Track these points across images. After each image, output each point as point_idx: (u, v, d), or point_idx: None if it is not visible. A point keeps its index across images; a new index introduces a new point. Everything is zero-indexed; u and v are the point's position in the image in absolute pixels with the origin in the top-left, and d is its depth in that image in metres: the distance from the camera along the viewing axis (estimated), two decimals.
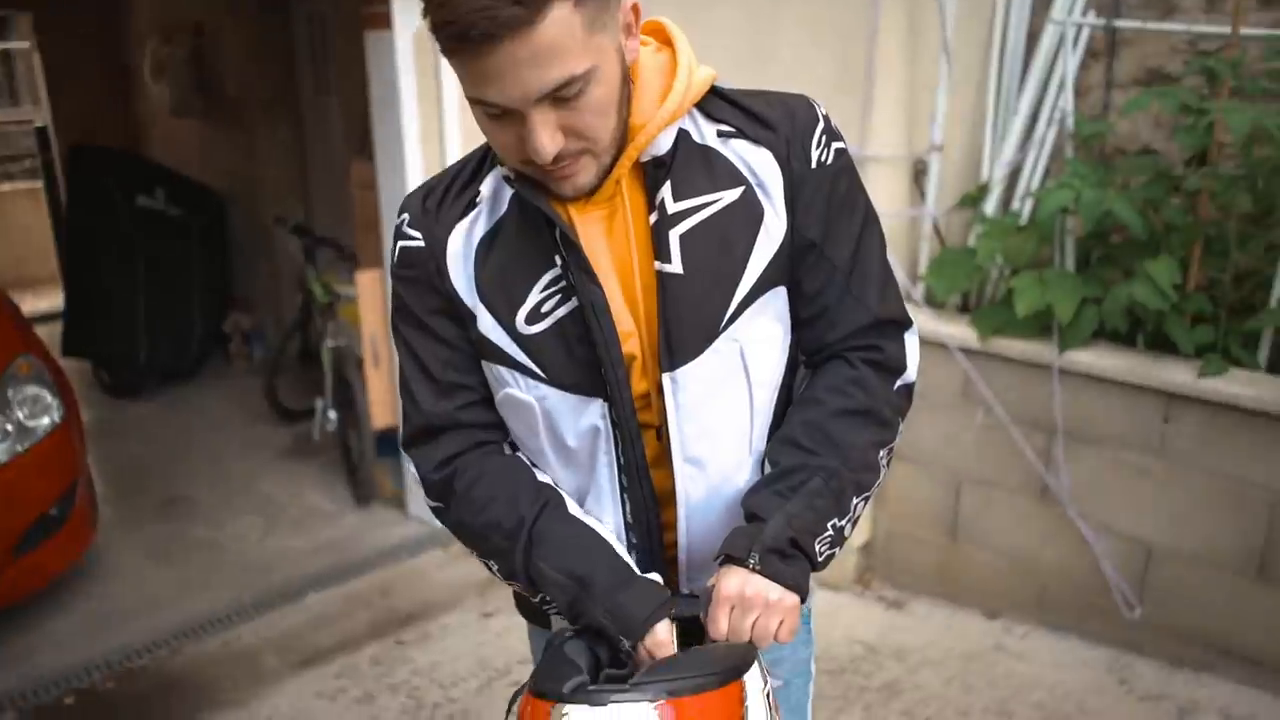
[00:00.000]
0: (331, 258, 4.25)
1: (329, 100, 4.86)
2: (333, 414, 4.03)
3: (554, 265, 1.13)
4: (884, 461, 1.20)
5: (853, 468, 1.15)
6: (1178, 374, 2.54)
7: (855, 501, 1.16)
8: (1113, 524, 2.73)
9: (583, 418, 1.16)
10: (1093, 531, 2.74)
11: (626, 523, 1.21)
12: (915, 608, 3.08)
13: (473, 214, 1.18)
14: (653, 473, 1.19)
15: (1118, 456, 2.68)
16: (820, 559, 1.12)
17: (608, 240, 1.14)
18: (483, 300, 1.16)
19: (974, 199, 2.93)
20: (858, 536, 3.17)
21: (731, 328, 1.14)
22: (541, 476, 1.22)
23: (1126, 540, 2.71)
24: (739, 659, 1.04)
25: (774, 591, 1.07)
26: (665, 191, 1.12)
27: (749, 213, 1.14)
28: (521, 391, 1.16)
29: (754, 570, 1.07)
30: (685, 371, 1.14)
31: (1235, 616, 2.56)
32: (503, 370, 1.17)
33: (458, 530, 1.24)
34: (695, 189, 1.13)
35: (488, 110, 1.01)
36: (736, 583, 1.07)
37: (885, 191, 2.90)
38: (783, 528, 1.09)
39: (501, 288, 1.15)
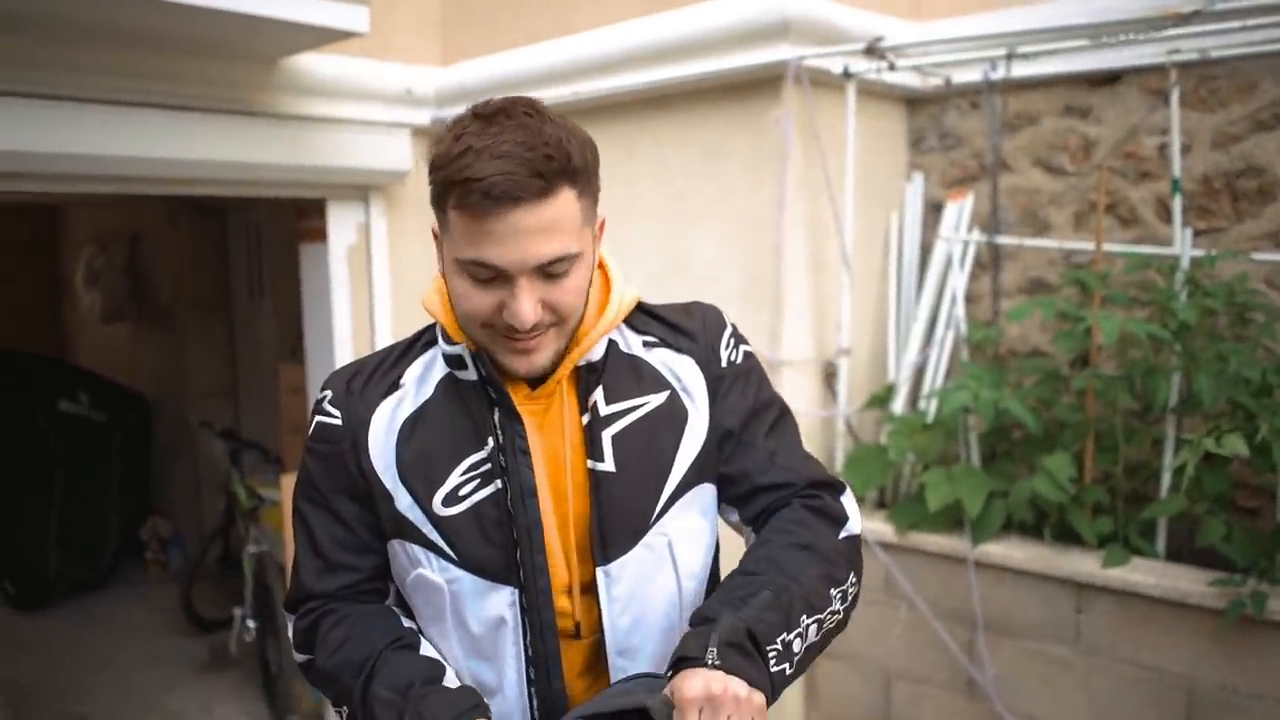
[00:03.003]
0: (257, 461, 4.23)
1: (261, 304, 4.97)
2: (251, 623, 3.89)
3: (480, 449, 1.18)
4: (837, 599, 1.19)
5: (803, 586, 1.14)
6: (1084, 564, 2.63)
7: (806, 621, 1.12)
8: (1039, 718, 2.74)
9: (490, 605, 1.18)
10: None
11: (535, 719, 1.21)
12: None
13: (396, 394, 1.23)
14: (566, 674, 1.20)
15: (1037, 648, 2.73)
16: (772, 669, 1.06)
17: (539, 434, 1.20)
18: (402, 481, 1.20)
19: (881, 399, 3.09)
20: None
21: (660, 522, 1.21)
22: (407, 623, 1.23)
23: None
24: None
25: (742, 688, 1.00)
26: (598, 395, 1.21)
27: (674, 415, 1.24)
28: (433, 573, 1.19)
29: (714, 667, 1.00)
30: (619, 565, 1.19)
31: None
32: (417, 550, 1.20)
33: (318, 680, 1.24)
34: (625, 393, 1.22)
35: (477, 272, 1.07)
36: (700, 683, 0.99)
37: (799, 393, 3.04)
38: (736, 624, 1.05)
39: (421, 469, 1.19)
